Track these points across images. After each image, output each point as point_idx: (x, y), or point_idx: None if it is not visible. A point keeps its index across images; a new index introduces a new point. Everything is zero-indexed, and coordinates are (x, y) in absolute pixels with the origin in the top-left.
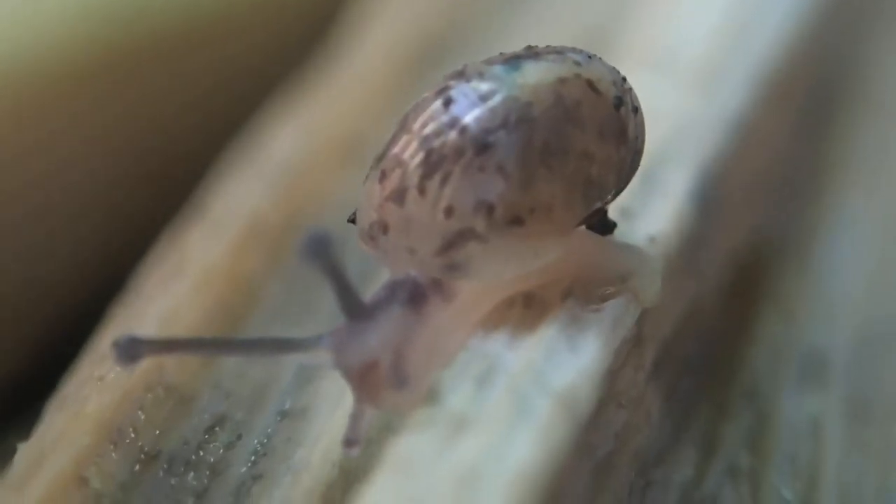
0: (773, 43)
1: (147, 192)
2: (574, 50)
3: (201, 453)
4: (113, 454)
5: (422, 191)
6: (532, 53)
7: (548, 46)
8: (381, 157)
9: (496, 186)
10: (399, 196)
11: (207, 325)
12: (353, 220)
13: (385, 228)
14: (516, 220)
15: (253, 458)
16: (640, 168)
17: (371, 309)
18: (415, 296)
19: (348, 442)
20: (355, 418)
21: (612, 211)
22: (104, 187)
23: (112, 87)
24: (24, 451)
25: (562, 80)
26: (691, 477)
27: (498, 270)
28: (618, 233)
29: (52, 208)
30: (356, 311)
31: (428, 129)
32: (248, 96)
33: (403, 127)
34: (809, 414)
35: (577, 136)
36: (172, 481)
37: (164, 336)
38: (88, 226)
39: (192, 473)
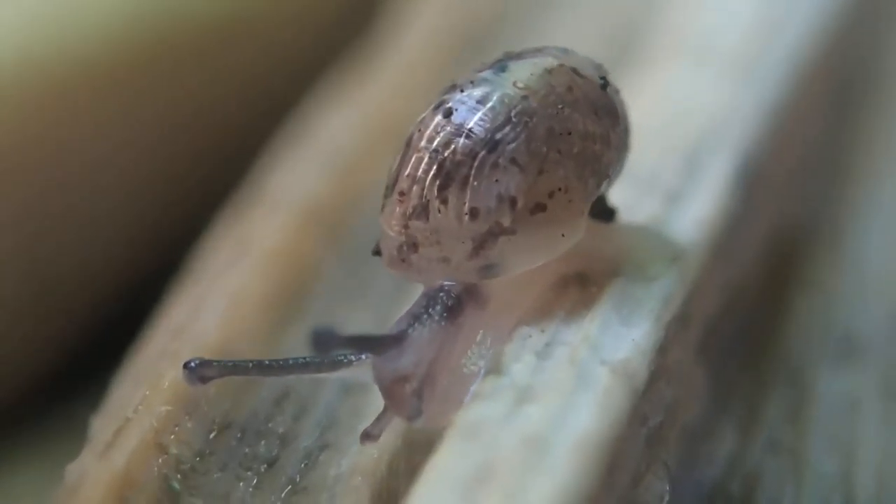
0: (805, 32)
1: (195, 176)
2: (549, 47)
3: (270, 424)
4: (189, 424)
5: (444, 201)
6: (513, 55)
7: (524, 49)
8: (393, 183)
9: (513, 179)
10: (422, 212)
11: (273, 302)
12: (377, 252)
13: (415, 247)
14: (539, 207)
15: (319, 429)
16: (684, 154)
17: (403, 331)
18: (449, 307)
19: (366, 435)
20: (380, 419)
21: (660, 198)
22: (154, 172)
23: (163, 77)
24: (103, 421)
25: (549, 71)
26: (735, 451)
27: (530, 260)
28: (666, 218)
29: (105, 191)
30: (386, 347)
31: (436, 143)
32: (291, 84)
33: (409, 148)
34: (846, 392)
35: (576, 118)
36: (245, 450)
37: (228, 360)
38: (138, 208)
39: (263, 442)
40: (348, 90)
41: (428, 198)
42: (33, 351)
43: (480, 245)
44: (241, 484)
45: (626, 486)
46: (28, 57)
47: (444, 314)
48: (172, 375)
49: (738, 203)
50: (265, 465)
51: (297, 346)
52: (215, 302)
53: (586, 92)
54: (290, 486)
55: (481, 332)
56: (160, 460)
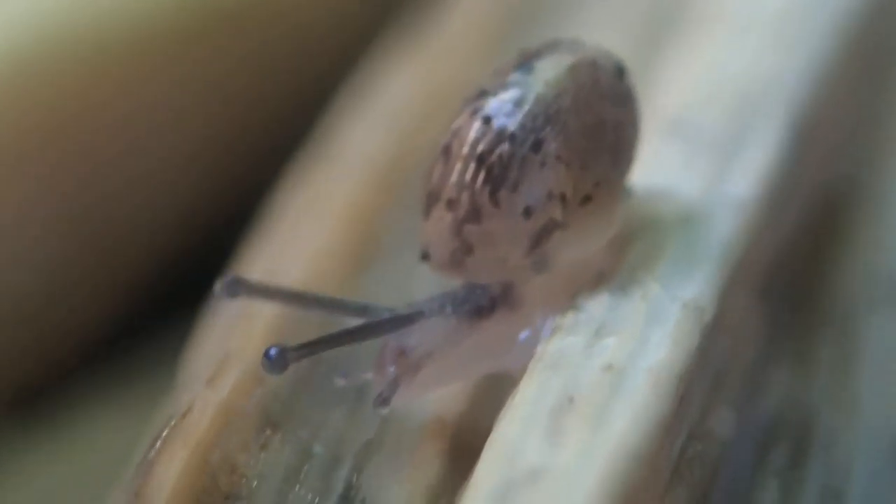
0: None
1: (258, 137)
2: (560, 41)
3: (354, 360)
4: None
5: (496, 203)
6: (532, 54)
7: (538, 45)
8: (438, 191)
9: (560, 175)
10: (475, 216)
11: (350, 253)
12: (426, 257)
13: (469, 250)
14: (586, 199)
15: None
16: (736, 116)
17: (421, 313)
18: (479, 309)
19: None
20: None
21: (716, 156)
22: (216, 135)
23: (222, 42)
24: (201, 356)
25: (573, 66)
26: (791, 391)
27: (582, 248)
28: (724, 173)
29: (169, 155)
30: (393, 328)
31: (479, 149)
32: (352, 43)
33: (449, 156)
34: (893, 334)
35: (605, 109)
36: (335, 382)
37: (264, 283)
38: (203, 169)
39: (348, 377)
40: (408, 51)
41: (480, 203)
42: (99, 307)
43: (536, 242)
44: (335, 414)
45: (696, 418)
46: (89, 28)
47: (472, 314)
48: (264, 316)
49: (791, 158)
50: (354, 396)
51: (373, 292)
52: (296, 254)
53: (608, 82)
54: (381, 417)
55: (503, 335)
56: (259, 392)
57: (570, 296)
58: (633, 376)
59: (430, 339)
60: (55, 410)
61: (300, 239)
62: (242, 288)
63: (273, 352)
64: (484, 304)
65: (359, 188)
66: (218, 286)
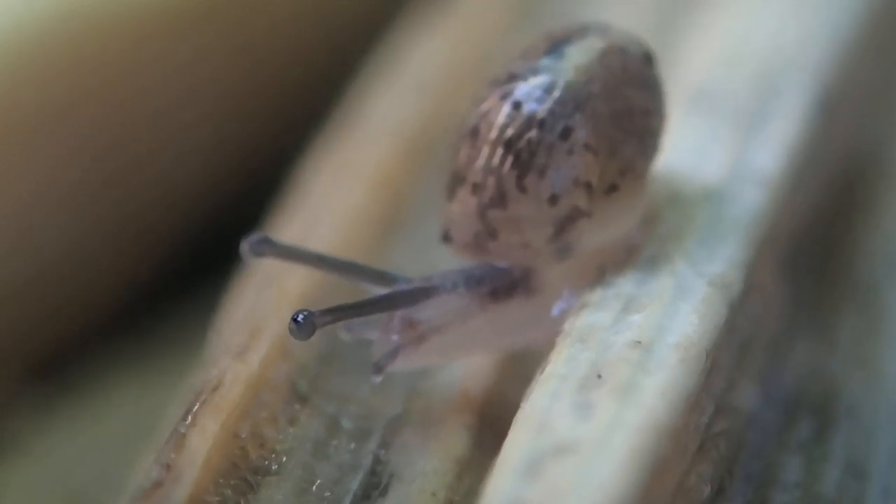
0: None
1: (281, 107)
2: (589, 25)
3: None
4: None
5: (522, 189)
6: (562, 38)
7: (566, 29)
8: (463, 173)
9: (588, 163)
10: (500, 201)
11: (380, 220)
12: (447, 239)
13: (494, 234)
14: (612, 187)
15: None
16: (762, 84)
17: (436, 288)
18: (494, 291)
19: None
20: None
21: (742, 125)
22: (238, 105)
23: (251, 11)
24: (232, 327)
25: (603, 53)
26: (814, 362)
27: (606, 236)
28: (750, 144)
29: (190, 126)
30: (414, 301)
31: (508, 134)
32: (378, 12)
33: (477, 139)
34: None
35: (633, 96)
36: (362, 356)
37: (288, 244)
38: (226, 139)
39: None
40: (434, 20)
41: (506, 188)
42: (124, 275)
43: (560, 229)
44: (363, 388)
45: (722, 390)
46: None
47: (488, 296)
48: (293, 287)
49: (816, 130)
50: None
51: (400, 256)
52: (327, 220)
53: (637, 69)
54: (408, 391)
55: (519, 320)
56: (287, 366)
57: (590, 281)
58: (661, 351)
59: (441, 315)
60: (80, 380)
61: (330, 205)
62: (268, 247)
63: (301, 316)
64: (501, 288)
65: (387, 155)
66: (244, 245)
